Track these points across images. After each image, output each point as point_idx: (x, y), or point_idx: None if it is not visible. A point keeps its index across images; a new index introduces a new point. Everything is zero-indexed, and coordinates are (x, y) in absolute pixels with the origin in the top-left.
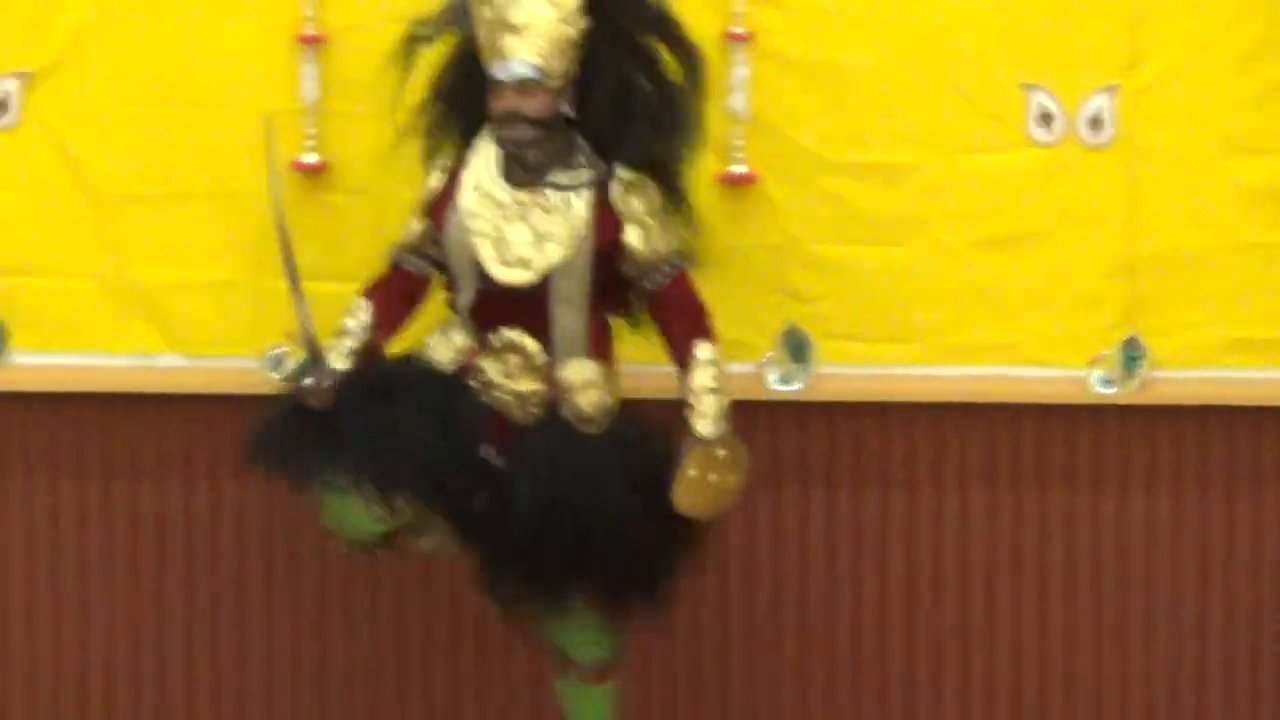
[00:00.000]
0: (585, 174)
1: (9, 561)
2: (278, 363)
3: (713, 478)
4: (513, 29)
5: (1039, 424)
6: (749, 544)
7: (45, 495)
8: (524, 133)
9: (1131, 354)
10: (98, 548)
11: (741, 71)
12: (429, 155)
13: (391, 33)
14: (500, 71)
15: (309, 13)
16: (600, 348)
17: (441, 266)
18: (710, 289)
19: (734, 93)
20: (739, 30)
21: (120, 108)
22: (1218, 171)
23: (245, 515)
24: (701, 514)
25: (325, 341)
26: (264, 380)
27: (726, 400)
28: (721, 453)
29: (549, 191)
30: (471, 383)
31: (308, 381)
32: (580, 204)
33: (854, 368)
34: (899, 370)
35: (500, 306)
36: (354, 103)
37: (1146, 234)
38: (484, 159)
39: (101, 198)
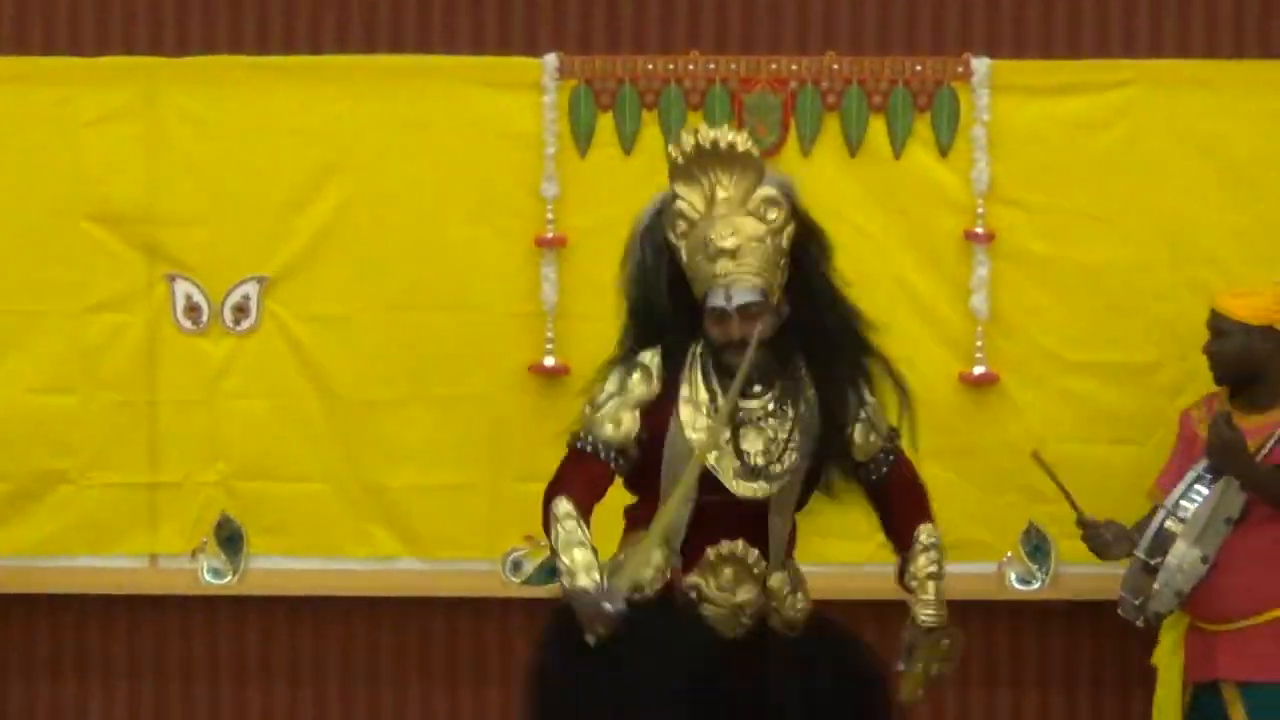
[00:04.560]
0: (805, 381)
1: None
2: (516, 566)
3: (934, 669)
4: (727, 253)
5: None
6: None
7: (284, 699)
8: (758, 356)
9: None
10: None
11: (982, 271)
12: (623, 352)
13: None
14: (722, 300)
15: (550, 216)
16: (791, 550)
17: (632, 467)
18: (950, 488)
19: (975, 292)
20: (980, 230)
21: (358, 311)
22: None
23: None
24: (918, 702)
25: (574, 557)
26: (502, 584)
27: (943, 584)
28: (945, 642)
29: (773, 403)
30: (690, 597)
31: (607, 607)
32: (806, 410)
33: (1096, 568)
34: None
35: (719, 519)
36: (592, 306)
37: None
38: (699, 371)
39: (339, 401)
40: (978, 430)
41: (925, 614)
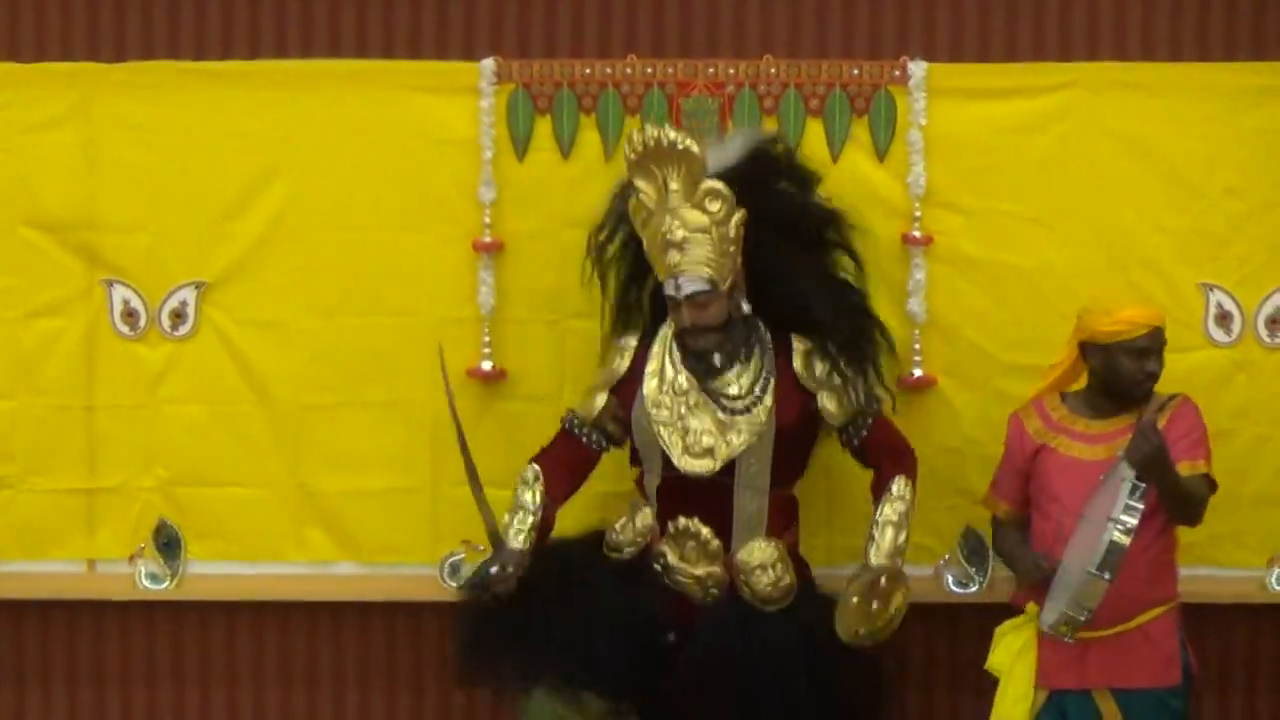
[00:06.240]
0: (767, 358)
1: None
2: (454, 570)
3: (874, 605)
4: (675, 245)
5: (1220, 623)
6: None
7: (222, 704)
8: (708, 341)
9: None
10: None
11: (919, 275)
12: (614, 333)
13: (567, 240)
14: (672, 289)
15: (487, 220)
16: (780, 526)
17: (616, 442)
18: None
19: (912, 296)
20: (917, 234)
21: (295, 317)
22: None
23: None
24: (859, 639)
25: (503, 520)
26: (440, 588)
27: (904, 535)
28: (884, 581)
29: (732, 379)
30: (655, 566)
31: (493, 570)
32: (764, 389)
33: None
34: None
35: (684, 492)
36: (530, 310)
37: None
38: (665, 348)
39: (277, 406)
40: (915, 434)
41: (873, 555)
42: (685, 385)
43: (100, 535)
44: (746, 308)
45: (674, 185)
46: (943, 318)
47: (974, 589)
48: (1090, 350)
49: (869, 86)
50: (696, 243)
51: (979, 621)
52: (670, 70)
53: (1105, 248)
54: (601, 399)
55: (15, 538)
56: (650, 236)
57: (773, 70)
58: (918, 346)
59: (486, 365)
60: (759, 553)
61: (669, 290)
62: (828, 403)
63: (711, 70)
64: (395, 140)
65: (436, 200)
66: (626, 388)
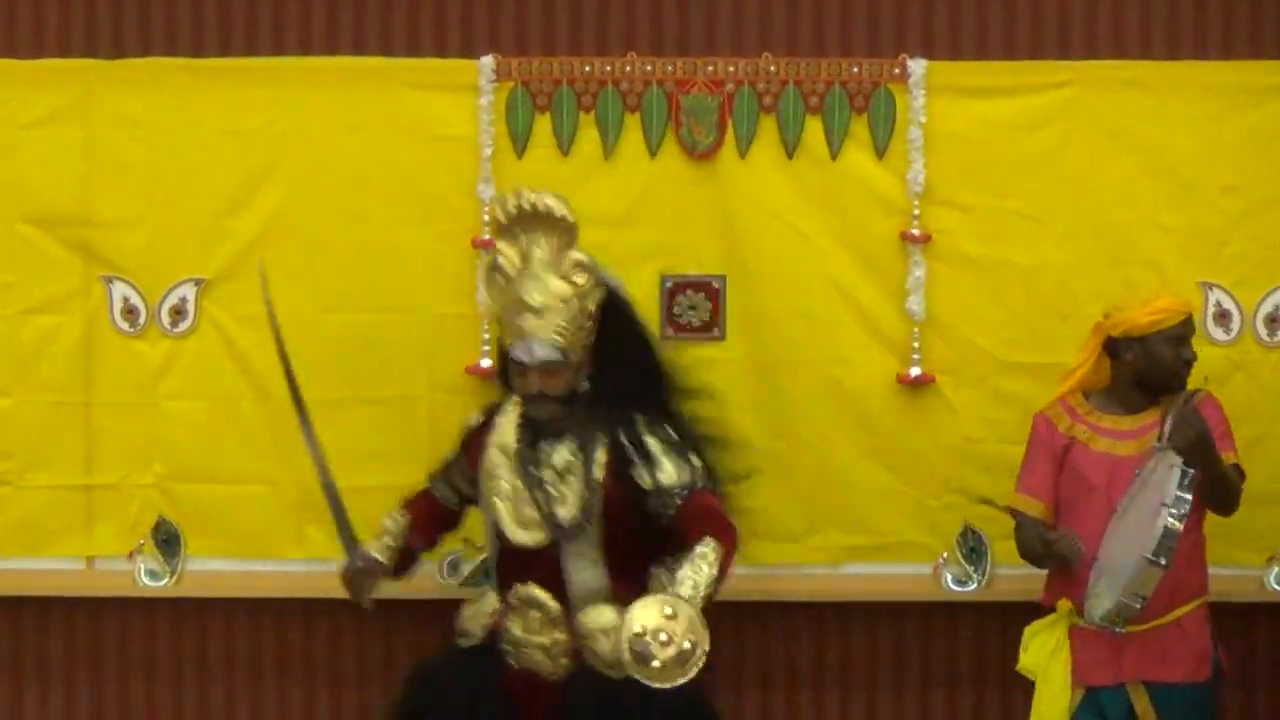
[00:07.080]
0: (599, 435)
1: None
2: (453, 568)
3: (652, 623)
4: (533, 310)
5: (1218, 621)
6: None
7: (220, 701)
8: (550, 410)
9: None
10: None
11: (918, 272)
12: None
13: None
14: (523, 353)
15: (486, 218)
16: (629, 594)
17: (471, 500)
18: (886, 490)
19: (911, 294)
20: (916, 231)
21: (294, 313)
22: None
23: None
24: (630, 665)
25: (367, 540)
26: (439, 585)
27: (703, 587)
28: (669, 610)
29: (564, 454)
30: (504, 646)
31: (343, 565)
32: (595, 464)
33: (1031, 569)
34: None
35: (520, 562)
36: None
37: None
38: (509, 418)
39: (275, 403)
40: (914, 432)
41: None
42: (522, 456)
43: (99, 532)
44: (585, 382)
45: (539, 252)
46: (941, 315)
47: (972, 587)
48: (1124, 345)
49: (868, 84)
50: (555, 311)
51: (977, 620)
52: (669, 68)
53: (1104, 246)
54: (452, 453)
55: (14, 534)
56: (507, 301)
57: (772, 68)
58: (916, 344)
59: (485, 362)
60: (599, 617)
61: (519, 354)
62: (642, 476)
63: (711, 68)
64: (394, 137)
65: (435, 197)
66: (476, 446)
